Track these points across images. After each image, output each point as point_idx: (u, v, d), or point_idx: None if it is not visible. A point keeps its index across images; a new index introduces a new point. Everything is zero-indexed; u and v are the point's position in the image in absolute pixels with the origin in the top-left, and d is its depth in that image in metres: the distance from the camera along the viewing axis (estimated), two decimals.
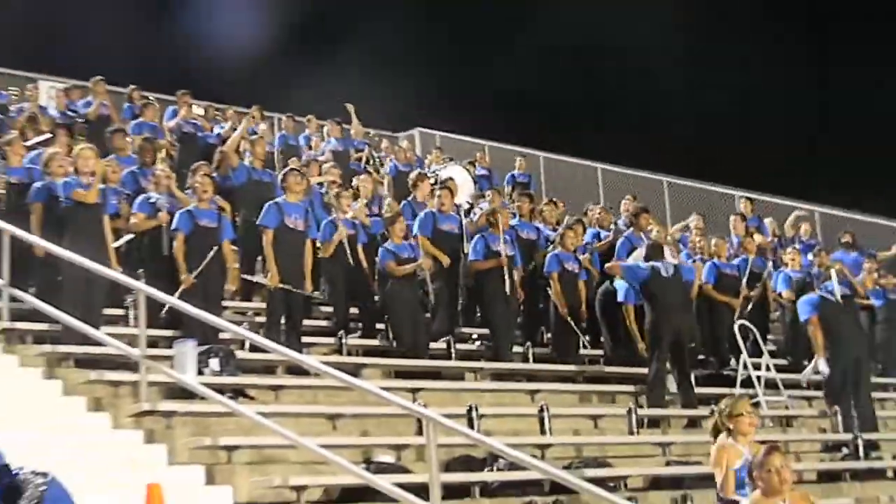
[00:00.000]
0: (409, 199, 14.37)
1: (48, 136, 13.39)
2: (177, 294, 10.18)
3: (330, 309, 12.68)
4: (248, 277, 12.54)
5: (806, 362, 14.31)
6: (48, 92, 19.54)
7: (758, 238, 16.13)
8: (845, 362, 12.12)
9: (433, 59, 30.48)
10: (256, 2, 29.81)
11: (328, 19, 30.44)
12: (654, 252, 12.16)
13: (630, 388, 12.16)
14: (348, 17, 29.29)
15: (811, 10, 29.93)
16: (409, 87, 27.47)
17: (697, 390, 12.06)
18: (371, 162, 18.37)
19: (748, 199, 17.79)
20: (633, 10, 27.94)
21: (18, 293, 10.07)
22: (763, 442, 9.43)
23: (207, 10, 28.56)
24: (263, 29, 28.99)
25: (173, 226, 11.07)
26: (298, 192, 11.95)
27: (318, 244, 12.24)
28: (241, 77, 28.01)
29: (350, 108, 19.09)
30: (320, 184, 14.85)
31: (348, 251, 12.21)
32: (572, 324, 12.69)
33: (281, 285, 11.26)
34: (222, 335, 10.05)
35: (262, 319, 11.39)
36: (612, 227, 15.24)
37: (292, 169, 12.59)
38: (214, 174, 13.08)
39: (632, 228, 13.94)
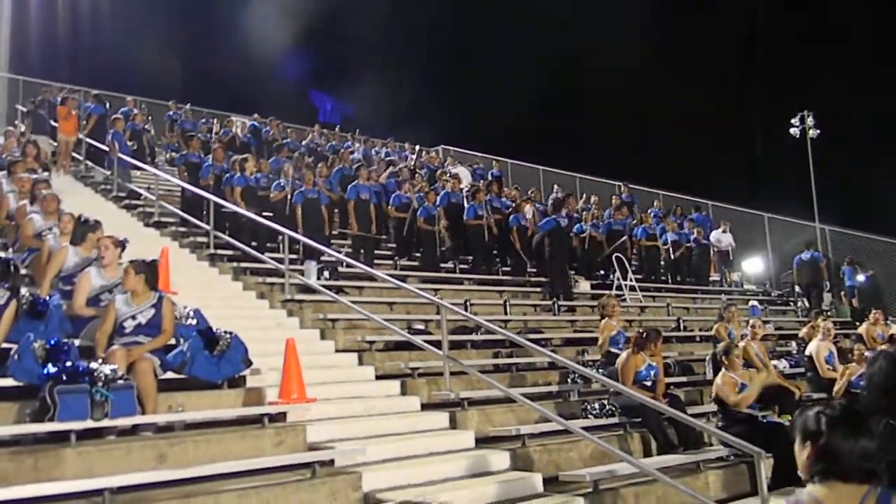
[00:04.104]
0: (436, 184, 14.04)
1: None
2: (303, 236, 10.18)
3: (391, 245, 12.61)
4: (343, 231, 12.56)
5: (653, 277, 14.34)
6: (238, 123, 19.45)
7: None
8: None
9: (452, 103, 29.78)
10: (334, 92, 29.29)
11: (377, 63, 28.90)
12: (557, 208, 12.14)
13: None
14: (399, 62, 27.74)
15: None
16: (440, 119, 26.38)
17: (592, 292, 12.07)
18: None
19: (623, 185, 17.63)
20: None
21: (218, 233, 10.10)
22: (629, 321, 9.38)
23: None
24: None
25: (293, 199, 10.95)
26: (367, 179, 11.85)
27: (391, 209, 12.18)
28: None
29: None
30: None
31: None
32: (523, 255, 12.60)
33: (358, 232, 11.25)
34: (329, 258, 9.99)
35: (350, 250, 11.35)
36: (542, 203, 15.10)
37: (362, 166, 12.49)
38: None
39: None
